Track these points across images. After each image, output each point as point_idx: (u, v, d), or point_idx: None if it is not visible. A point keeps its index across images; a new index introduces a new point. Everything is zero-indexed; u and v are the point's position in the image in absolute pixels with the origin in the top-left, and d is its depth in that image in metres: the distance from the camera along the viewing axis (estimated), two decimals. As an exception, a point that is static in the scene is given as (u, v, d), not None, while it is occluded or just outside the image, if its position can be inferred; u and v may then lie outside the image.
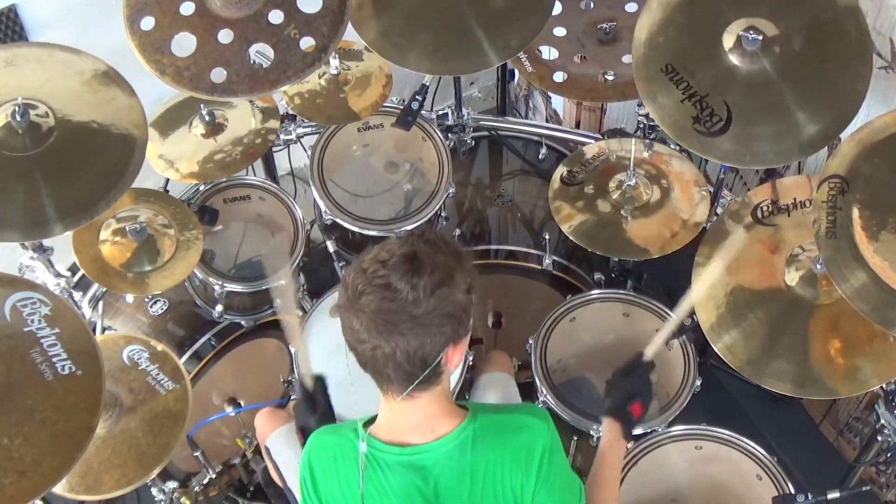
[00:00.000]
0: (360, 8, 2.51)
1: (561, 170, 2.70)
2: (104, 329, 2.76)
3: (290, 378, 2.48)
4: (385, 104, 2.80)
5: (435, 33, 2.49)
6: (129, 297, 2.72)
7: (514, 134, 3.13)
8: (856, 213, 1.91)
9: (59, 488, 2.04)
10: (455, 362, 1.53)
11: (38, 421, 1.78)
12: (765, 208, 2.29)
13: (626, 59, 2.67)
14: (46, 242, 2.36)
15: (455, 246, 1.54)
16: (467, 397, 2.37)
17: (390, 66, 2.78)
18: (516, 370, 2.48)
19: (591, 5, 2.82)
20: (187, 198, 2.75)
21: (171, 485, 2.40)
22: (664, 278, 2.80)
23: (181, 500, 2.42)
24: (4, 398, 1.78)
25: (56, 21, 2.85)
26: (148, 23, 2.33)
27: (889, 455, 2.40)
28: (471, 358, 2.39)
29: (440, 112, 2.99)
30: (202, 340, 2.77)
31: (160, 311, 2.79)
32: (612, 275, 2.81)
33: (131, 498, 2.50)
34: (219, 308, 2.69)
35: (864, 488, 2.24)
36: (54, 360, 1.84)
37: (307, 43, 2.35)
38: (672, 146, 2.70)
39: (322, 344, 2.43)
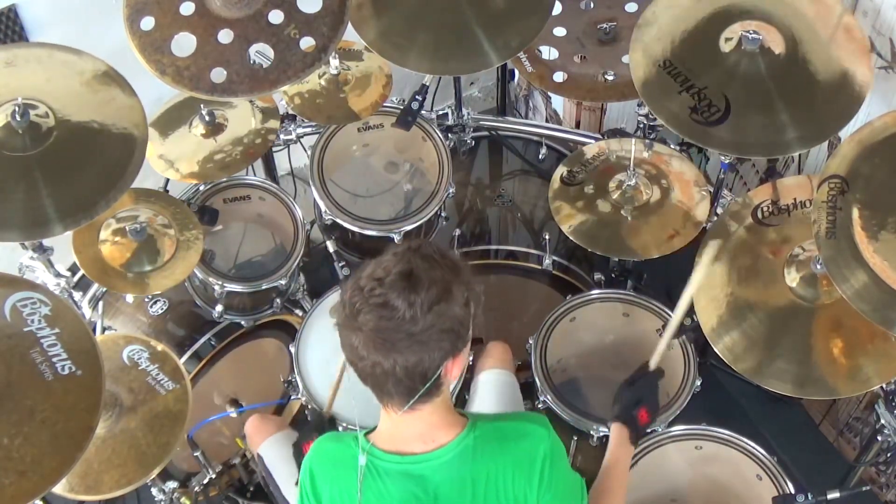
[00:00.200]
0: (360, 8, 2.51)
1: (561, 170, 2.69)
2: (104, 329, 2.76)
3: (290, 378, 2.48)
4: (385, 104, 2.80)
5: (435, 33, 2.49)
6: (129, 297, 2.71)
7: (514, 134, 3.12)
8: (856, 213, 1.91)
9: (59, 488, 2.04)
10: (455, 374, 1.53)
11: (38, 421, 1.78)
12: (765, 208, 2.29)
13: (626, 59, 2.67)
14: (46, 242, 2.35)
15: (452, 258, 1.53)
16: (467, 397, 2.37)
17: (390, 66, 2.77)
18: (516, 370, 2.47)
19: (591, 5, 2.82)
20: (187, 198, 2.75)
21: (171, 485, 2.39)
22: (664, 278, 2.79)
23: (181, 500, 2.42)
24: (4, 398, 1.78)
25: (56, 21, 2.85)
26: (148, 23, 2.33)
27: (889, 455, 2.40)
28: (470, 358, 2.38)
29: (440, 112, 2.98)
30: (202, 340, 2.77)
31: (160, 311, 2.79)
32: (612, 275, 2.81)
33: (131, 498, 2.50)
34: (219, 308, 2.69)
35: (864, 488, 2.24)
36: (54, 360, 1.84)
37: (307, 43, 2.35)
38: (672, 146, 2.70)
39: (322, 344, 2.43)
